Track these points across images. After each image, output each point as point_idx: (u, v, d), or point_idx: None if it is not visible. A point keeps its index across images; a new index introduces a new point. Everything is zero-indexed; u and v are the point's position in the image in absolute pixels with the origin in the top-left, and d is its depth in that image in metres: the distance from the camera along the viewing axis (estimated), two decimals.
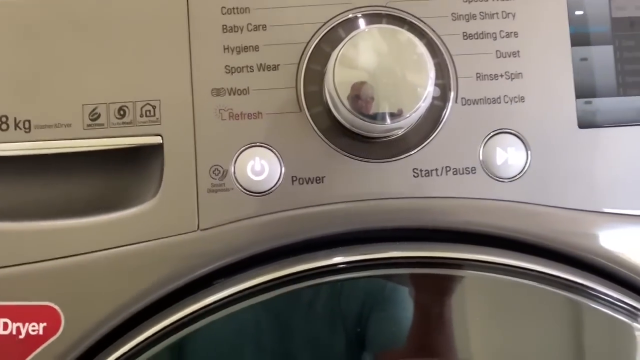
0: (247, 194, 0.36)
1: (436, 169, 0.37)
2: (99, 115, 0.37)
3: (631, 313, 0.36)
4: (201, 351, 0.37)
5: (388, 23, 0.37)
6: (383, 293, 0.38)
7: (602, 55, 0.39)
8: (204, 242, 0.37)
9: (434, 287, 0.38)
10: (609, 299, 0.37)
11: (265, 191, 0.37)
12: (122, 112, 0.37)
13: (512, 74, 0.38)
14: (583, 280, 0.37)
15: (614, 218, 0.38)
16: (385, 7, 0.38)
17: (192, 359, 0.37)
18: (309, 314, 0.37)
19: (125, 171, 0.39)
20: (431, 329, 0.37)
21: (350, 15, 0.38)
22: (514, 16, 0.38)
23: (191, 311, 0.36)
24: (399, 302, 0.38)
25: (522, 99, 0.38)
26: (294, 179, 0.37)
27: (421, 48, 0.35)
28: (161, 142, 0.37)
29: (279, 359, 0.37)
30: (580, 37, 0.39)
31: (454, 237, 0.39)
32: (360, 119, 0.34)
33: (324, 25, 0.37)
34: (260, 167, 0.36)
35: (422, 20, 0.38)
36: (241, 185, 0.36)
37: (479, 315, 0.38)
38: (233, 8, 0.37)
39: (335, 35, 0.37)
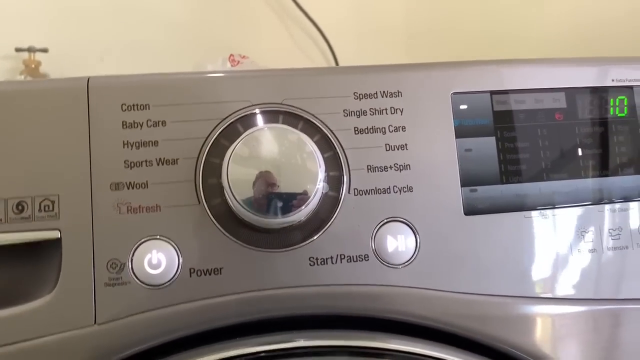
0: (145, 287, 0.37)
1: (331, 257, 0.39)
2: None
3: None
4: None
5: (285, 120, 0.39)
6: None
7: (485, 146, 0.42)
8: (100, 337, 0.37)
9: None
10: None
11: (162, 284, 0.37)
12: (20, 207, 0.37)
13: (400, 165, 0.40)
14: None
15: (503, 300, 0.41)
16: (282, 104, 0.40)
17: None
18: None
19: (24, 265, 0.39)
20: None
21: (248, 112, 0.39)
22: (401, 111, 0.41)
23: None
24: None
25: (410, 188, 0.40)
26: (192, 271, 0.38)
27: (311, 147, 0.37)
28: (59, 236, 0.37)
29: None
30: (464, 130, 0.42)
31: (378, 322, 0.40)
32: (254, 214, 0.36)
33: (222, 120, 0.39)
34: (157, 260, 0.37)
35: (316, 117, 0.40)
36: (138, 279, 0.37)
37: None
38: (133, 105, 0.39)
39: (233, 130, 0.39)
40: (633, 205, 0.44)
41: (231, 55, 0.68)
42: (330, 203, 0.39)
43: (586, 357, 0.41)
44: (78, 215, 0.37)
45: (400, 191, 0.40)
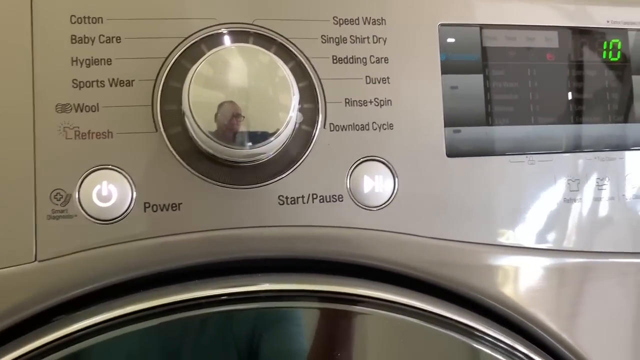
0: (93, 221, 0.33)
1: (302, 197, 0.36)
2: None
3: None
4: None
5: (255, 42, 0.35)
6: (281, 326, 0.35)
7: (472, 84, 0.39)
8: (42, 275, 0.33)
9: (332, 322, 0.36)
10: (503, 345, 0.36)
11: (113, 219, 0.33)
12: None
13: (381, 100, 0.37)
14: (477, 325, 0.37)
15: (482, 248, 0.38)
16: (253, 24, 0.36)
17: None
18: (201, 347, 0.34)
19: None
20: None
21: (214, 32, 0.35)
22: (385, 41, 0.37)
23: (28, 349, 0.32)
24: (297, 335, 0.35)
25: (390, 126, 0.37)
26: (147, 205, 0.34)
27: (284, 71, 0.33)
28: None
29: None
30: (451, 65, 0.39)
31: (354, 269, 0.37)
32: (218, 142, 0.32)
33: (185, 40, 0.35)
34: (107, 192, 0.33)
35: (290, 42, 0.36)
36: (86, 212, 0.33)
37: (373, 352, 0.36)
38: (84, 17, 0.34)
39: (197, 51, 0.35)
40: (621, 154, 0.41)
41: None
42: (303, 138, 0.36)
43: (557, 309, 0.40)
44: (18, 139, 0.33)
45: (379, 128, 0.37)
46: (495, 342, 0.37)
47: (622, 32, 0.43)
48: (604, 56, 0.42)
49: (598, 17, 0.42)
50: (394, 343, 0.35)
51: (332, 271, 0.37)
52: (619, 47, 0.43)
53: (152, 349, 0.33)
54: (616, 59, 0.43)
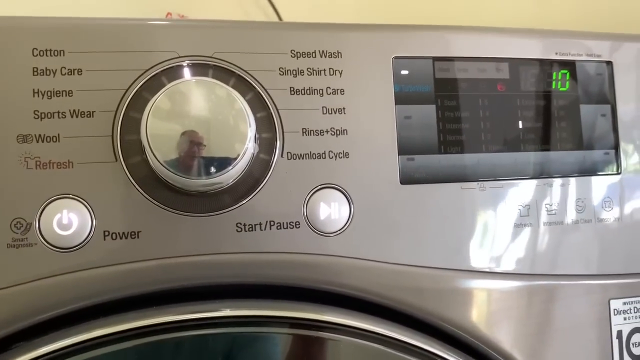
0: (53, 249, 0.34)
1: (260, 223, 0.37)
2: None
3: None
4: None
5: (215, 75, 0.37)
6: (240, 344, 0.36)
7: (425, 114, 0.41)
8: (1, 302, 0.33)
9: (295, 347, 0.36)
10: None
11: (73, 247, 0.34)
12: None
13: (337, 130, 0.38)
14: (436, 350, 0.38)
15: (437, 272, 0.40)
16: (212, 57, 0.37)
17: None
18: None
19: None
20: None
21: (175, 64, 0.36)
22: (340, 73, 0.39)
23: None
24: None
25: (346, 154, 0.38)
26: (107, 233, 0.35)
27: (240, 103, 0.34)
28: None
29: None
30: (404, 96, 0.40)
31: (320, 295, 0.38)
32: (175, 173, 0.33)
33: (145, 72, 0.36)
34: (68, 221, 0.34)
35: (249, 74, 0.37)
36: (46, 240, 0.34)
37: None
38: (46, 50, 0.35)
39: (158, 83, 0.36)
40: (571, 180, 0.43)
41: (169, 13, 0.64)
42: (261, 166, 0.37)
43: (519, 333, 0.41)
44: None
45: (336, 157, 0.38)
46: None
47: (570, 64, 0.45)
48: (553, 86, 0.44)
49: (547, 49, 0.44)
50: None
51: (298, 296, 0.38)
52: (567, 77, 0.45)
53: None
54: (565, 89, 0.45)
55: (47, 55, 0.35)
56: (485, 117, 0.42)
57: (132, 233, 0.35)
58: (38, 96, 0.35)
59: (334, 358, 0.37)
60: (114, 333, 0.34)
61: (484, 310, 0.41)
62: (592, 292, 0.43)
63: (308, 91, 0.38)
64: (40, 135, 0.34)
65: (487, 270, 0.41)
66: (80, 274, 0.34)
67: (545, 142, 0.43)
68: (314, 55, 0.39)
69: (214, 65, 0.37)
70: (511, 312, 0.41)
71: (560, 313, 0.42)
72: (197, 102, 0.33)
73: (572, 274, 0.42)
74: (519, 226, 0.41)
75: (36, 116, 0.34)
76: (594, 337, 0.43)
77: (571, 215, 0.43)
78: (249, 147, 0.34)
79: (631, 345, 0.43)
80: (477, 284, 0.41)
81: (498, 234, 0.41)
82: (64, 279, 0.34)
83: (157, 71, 0.36)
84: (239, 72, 0.37)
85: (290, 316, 0.37)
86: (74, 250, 0.34)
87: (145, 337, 0.34)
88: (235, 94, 0.34)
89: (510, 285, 0.41)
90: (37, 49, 0.35)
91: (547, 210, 0.42)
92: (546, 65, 0.44)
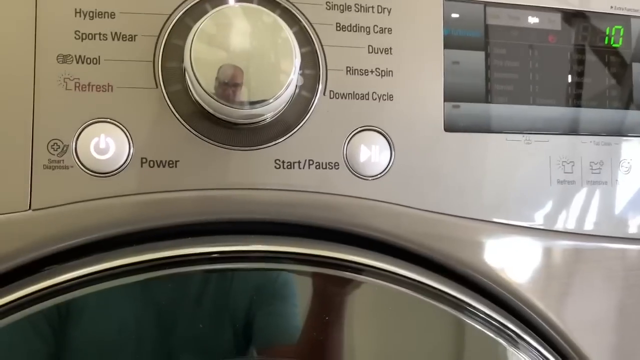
0: (89, 173, 0.33)
1: (299, 162, 0.36)
2: None
3: (511, 339, 0.37)
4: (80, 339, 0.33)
5: (260, 4, 0.35)
6: (273, 288, 0.35)
7: (474, 61, 0.39)
8: (35, 224, 0.33)
9: (323, 286, 0.36)
10: (492, 321, 0.37)
11: (109, 172, 0.33)
12: None
13: (382, 71, 0.37)
14: (468, 299, 0.37)
15: (475, 224, 0.39)
16: None
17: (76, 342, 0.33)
18: (195, 307, 0.34)
19: None
20: (317, 328, 0.35)
21: None
22: (389, 12, 0.37)
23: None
24: (289, 298, 0.35)
25: (390, 97, 0.37)
26: (144, 161, 0.34)
27: (287, 33, 0.33)
28: None
29: (161, 353, 0.34)
30: (453, 40, 0.39)
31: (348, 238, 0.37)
32: (217, 101, 0.32)
33: None
34: (105, 145, 0.33)
35: (295, 6, 0.36)
36: (82, 164, 0.33)
37: (362, 319, 0.36)
38: None
39: (201, 9, 0.35)
40: (619, 140, 0.42)
41: None
42: (302, 104, 0.36)
43: (558, 292, 0.40)
44: (17, 87, 0.33)
45: (379, 99, 0.37)
46: (485, 318, 0.37)
47: (625, 19, 0.43)
48: (606, 42, 0.43)
49: (602, 2, 0.42)
50: (384, 311, 0.36)
51: (325, 239, 0.37)
52: (621, 33, 0.43)
53: (142, 303, 0.33)
54: (618, 45, 0.43)
55: None
56: (534, 68, 0.40)
57: (170, 162, 0.34)
58: (80, 16, 0.34)
59: (369, 302, 0.36)
60: (145, 261, 0.33)
61: (521, 266, 0.39)
62: (631, 256, 0.42)
63: (354, 28, 0.37)
64: (80, 57, 0.33)
65: (527, 225, 0.39)
66: (115, 200, 0.33)
67: (594, 99, 0.42)
68: None
69: None
70: (550, 270, 0.40)
71: (598, 275, 0.41)
72: (242, 29, 0.32)
73: (614, 235, 0.41)
74: (562, 183, 0.40)
75: (77, 37, 0.34)
76: (630, 302, 0.42)
77: (616, 176, 0.41)
78: (293, 79, 0.33)
79: None
80: (512, 239, 0.39)
81: (540, 190, 0.40)
82: (98, 204, 0.33)
83: None
84: (284, 4, 0.36)
85: (323, 255, 0.36)
86: (110, 176, 0.33)
87: (177, 267, 0.33)
88: (282, 23, 0.33)
89: (550, 244, 0.40)
90: None
91: (592, 169, 0.41)
92: (600, 19, 0.42)
